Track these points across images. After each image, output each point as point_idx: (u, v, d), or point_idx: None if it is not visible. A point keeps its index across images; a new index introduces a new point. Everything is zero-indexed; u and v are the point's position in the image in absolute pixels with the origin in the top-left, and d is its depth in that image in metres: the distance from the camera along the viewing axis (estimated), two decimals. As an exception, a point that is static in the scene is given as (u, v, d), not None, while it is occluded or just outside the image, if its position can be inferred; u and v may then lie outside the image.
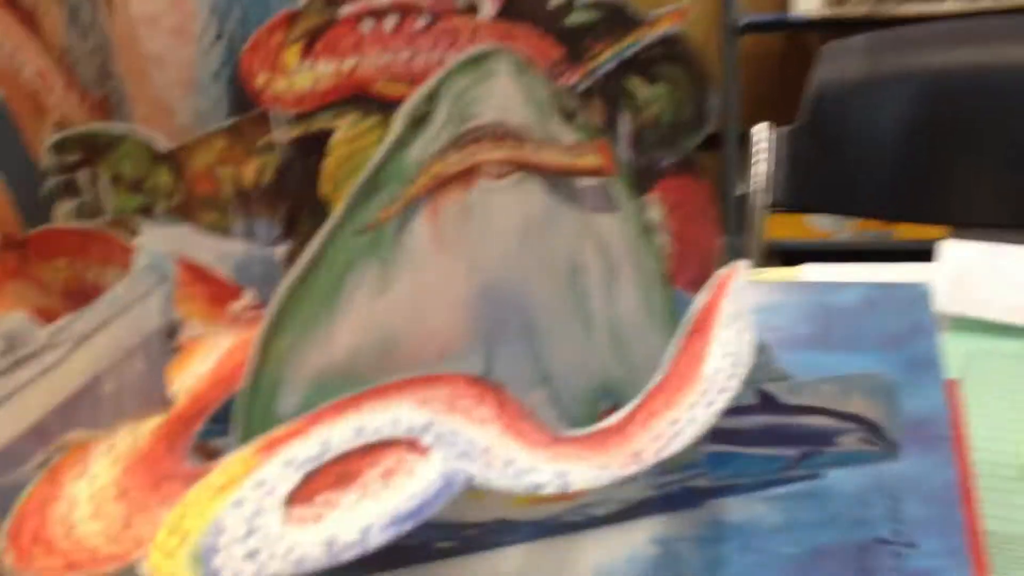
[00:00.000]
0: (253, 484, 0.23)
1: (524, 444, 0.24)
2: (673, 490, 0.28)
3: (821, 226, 1.68)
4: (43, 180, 0.29)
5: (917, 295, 0.38)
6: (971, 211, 1.00)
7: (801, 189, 1.02)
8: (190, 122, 0.31)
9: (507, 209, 0.27)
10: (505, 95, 0.27)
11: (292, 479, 0.23)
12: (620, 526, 0.29)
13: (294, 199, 0.31)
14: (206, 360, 0.28)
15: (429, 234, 0.27)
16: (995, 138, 0.97)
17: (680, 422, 0.24)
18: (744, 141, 1.03)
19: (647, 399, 0.25)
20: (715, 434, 0.25)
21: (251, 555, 0.21)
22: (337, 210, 0.26)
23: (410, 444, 0.24)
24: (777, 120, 1.05)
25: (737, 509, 0.29)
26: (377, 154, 0.26)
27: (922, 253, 0.63)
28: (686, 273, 0.33)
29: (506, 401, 0.26)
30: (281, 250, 0.31)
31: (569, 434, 0.25)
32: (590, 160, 0.28)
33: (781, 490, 0.29)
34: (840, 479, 0.30)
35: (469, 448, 0.24)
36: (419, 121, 0.26)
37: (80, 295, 0.30)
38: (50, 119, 0.32)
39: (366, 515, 0.22)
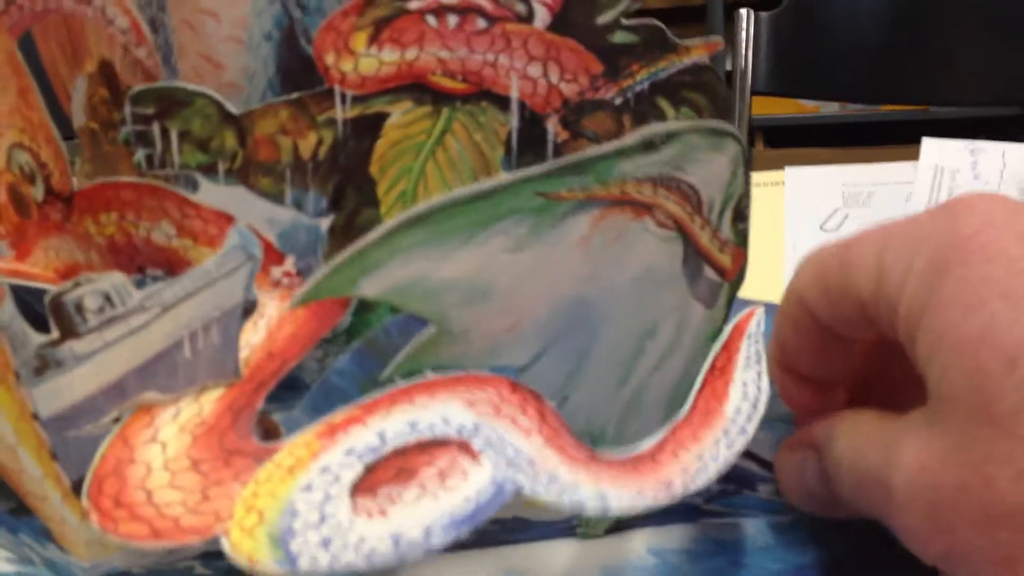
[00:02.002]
0: (319, 469, 0.25)
1: (564, 459, 0.26)
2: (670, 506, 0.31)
3: (808, 102, 1.71)
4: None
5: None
6: (951, 89, 1.03)
7: (783, 74, 1.05)
8: (237, 79, 0.32)
9: (646, 251, 0.29)
10: (715, 172, 0.29)
11: (355, 468, 0.25)
12: (619, 534, 0.32)
13: (345, 175, 0.31)
14: (256, 330, 0.29)
15: (582, 232, 0.29)
16: (975, 15, 1.00)
17: (704, 458, 0.27)
18: (730, 18, 1.04)
19: (674, 432, 0.28)
20: None
21: (325, 543, 0.23)
22: (536, 168, 0.28)
23: (462, 446, 0.26)
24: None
25: (728, 529, 0.32)
26: (601, 148, 0.28)
27: (908, 125, 0.67)
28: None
29: (546, 412, 0.28)
30: (326, 222, 0.32)
31: (604, 455, 0.27)
32: (725, 260, 0.31)
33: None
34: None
35: (516, 457, 0.26)
36: (649, 146, 0.29)
37: (127, 251, 0.30)
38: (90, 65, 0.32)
39: (427, 514, 0.24)
